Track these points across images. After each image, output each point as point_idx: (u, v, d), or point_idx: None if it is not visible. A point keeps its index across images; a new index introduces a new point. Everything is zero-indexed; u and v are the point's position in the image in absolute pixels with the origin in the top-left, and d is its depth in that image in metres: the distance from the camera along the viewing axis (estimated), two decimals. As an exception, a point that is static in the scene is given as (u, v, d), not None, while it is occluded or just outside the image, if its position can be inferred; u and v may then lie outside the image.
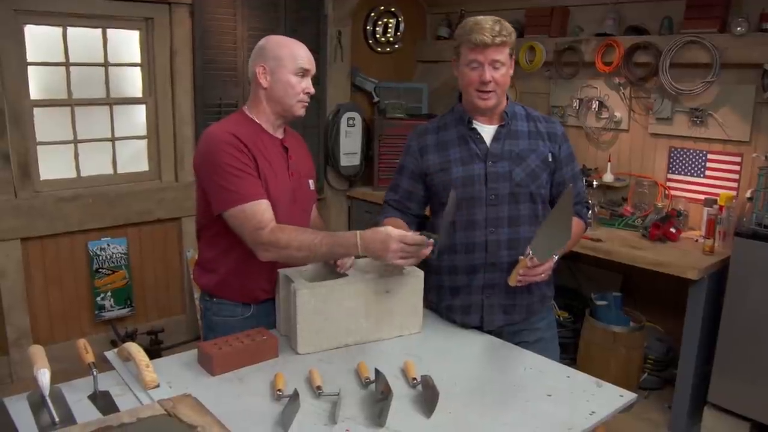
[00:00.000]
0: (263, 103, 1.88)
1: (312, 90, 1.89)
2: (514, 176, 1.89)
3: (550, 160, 1.95)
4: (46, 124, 3.37)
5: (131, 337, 3.49)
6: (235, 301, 1.91)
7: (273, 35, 1.93)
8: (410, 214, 2.05)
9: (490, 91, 1.83)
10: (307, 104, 1.91)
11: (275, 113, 1.90)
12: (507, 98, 1.96)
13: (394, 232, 1.67)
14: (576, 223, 1.97)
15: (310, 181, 2.04)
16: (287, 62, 1.83)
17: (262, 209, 1.75)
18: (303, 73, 1.85)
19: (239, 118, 1.91)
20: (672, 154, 3.51)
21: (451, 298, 1.98)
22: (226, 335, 1.72)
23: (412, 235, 1.68)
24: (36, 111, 3.31)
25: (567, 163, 1.99)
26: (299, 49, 1.86)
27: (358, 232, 1.70)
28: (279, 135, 1.94)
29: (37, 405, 1.40)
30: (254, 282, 1.89)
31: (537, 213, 1.94)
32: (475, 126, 1.93)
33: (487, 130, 1.93)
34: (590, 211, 2.14)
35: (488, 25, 1.79)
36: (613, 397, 1.56)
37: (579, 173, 2.08)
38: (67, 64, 3.38)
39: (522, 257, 1.77)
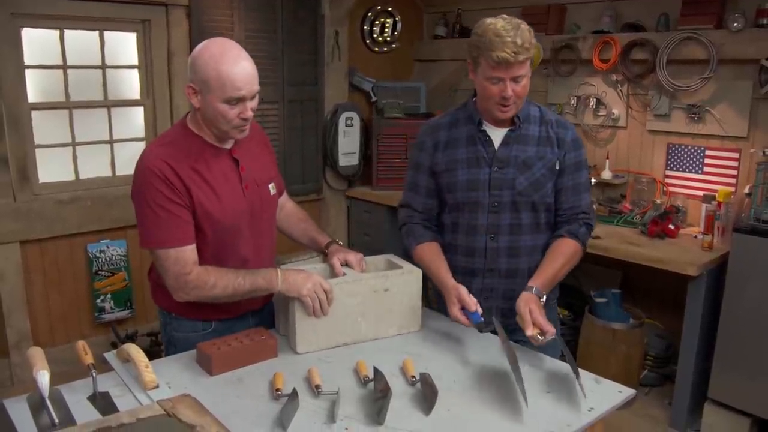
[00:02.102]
0: (200, 121, 1.73)
1: (249, 114, 1.67)
2: (516, 184, 1.86)
3: (557, 168, 1.89)
4: (44, 127, 3.37)
5: (131, 338, 3.49)
6: (196, 318, 1.84)
7: (211, 42, 1.67)
8: (435, 224, 2.00)
9: (510, 104, 1.79)
10: (245, 127, 1.71)
11: (213, 133, 1.74)
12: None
13: (319, 275, 1.75)
14: (565, 243, 1.89)
15: (270, 186, 1.89)
16: (215, 90, 1.62)
17: (186, 255, 1.68)
18: (236, 101, 1.64)
19: (179, 133, 1.76)
20: (670, 151, 3.51)
21: None
22: (189, 350, 1.72)
23: (329, 285, 1.74)
24: (34, 114, 3.31)
25: (570, 172, 1.91)
26: (232, 72, 1.60)
27: (280, 271, 1.75)
28: (227, 145, 1.78)
29: (37, 406, 1.40)
30: (213, 304, 1.78)
31: (539, 221, 1.91)
32: (484, 128, 1.88)
33: (496, 133, 1.88)
34: (590, 230, 1.96)
35: (509, 38, 1.68)
36: (612, 393, 1.57)
37: (584, 184, 1.95)
38: (64, 67, 3.38)
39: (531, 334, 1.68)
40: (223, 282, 1.69)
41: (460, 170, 1.89)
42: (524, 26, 1.74)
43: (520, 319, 1.71)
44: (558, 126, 1.91)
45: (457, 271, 1.94)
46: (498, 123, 1.88)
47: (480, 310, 1.76)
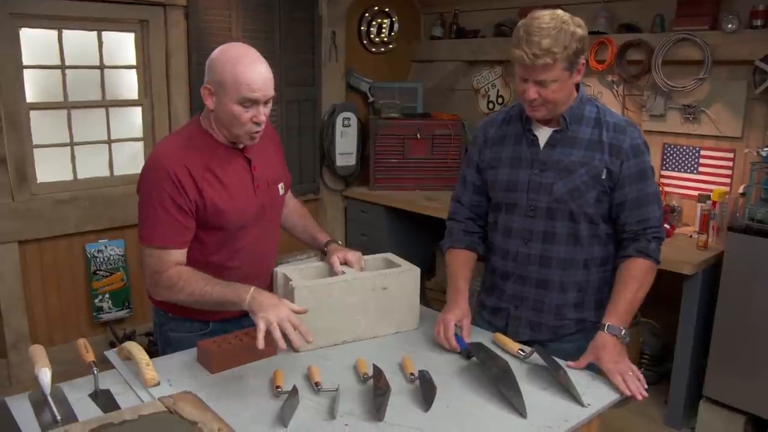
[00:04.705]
0: (213, 123, 1.74)
1: (262, 119, 1.67)
2: (554, 190, 1.74)
3: (604, 177, 1.71)
4: (43, 127, 3.37)
5: (129, 338, 3.50)
6: (194, 318, 1.83)
7: (229, 46, 1.69)
8: (480, 224, 1.93)
9: (536, 106, 1.69)
10: (257, 133, 1.71)
11: (224, 136, 1.75)
12: (578, 94, 1.76)
13: (289, 304, 1.61)
14: (635, 264, 1.73)
15: (280, 186, 1.90)
16: (230, 90, 1.62)
17: (170, 256, 1.68)
18: (250, 103, 1.64)
19: (195, 132, 1.76)
20: (665, 151, 3.54)
21: (486, 295, 1.96)
22: (184, 350, 1.73)
23: (298, 321, 1.57)
24: (32, 114, 3.31)
25: (632, 182, 1.72)
26: (247, 73, 1.61)
27: (253, 288, 1.63)
28: (240, 144, 1.78)
29: (39, 404, 1.42)
30: None
31: (578, 234, 1.77)
32: (531, 127, 1.78)
33: (543, 133, 1.77)
34: (661, 243, 1.77)
35: (536, 38, 1.57)
36: (608, 391, 1.58)
37: (652, 195, 1.74)
38: (62, 67, 3.38)
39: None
40: (191, 288, 1.66)
41: (502, 169, 1.82)
42: (569, 28, 1.60)
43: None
44: (616, 130, 1.73)
45: (494, 270, 1.92)
46: (545, 122, 1.76)
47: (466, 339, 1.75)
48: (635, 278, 1.72)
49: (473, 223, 1.95)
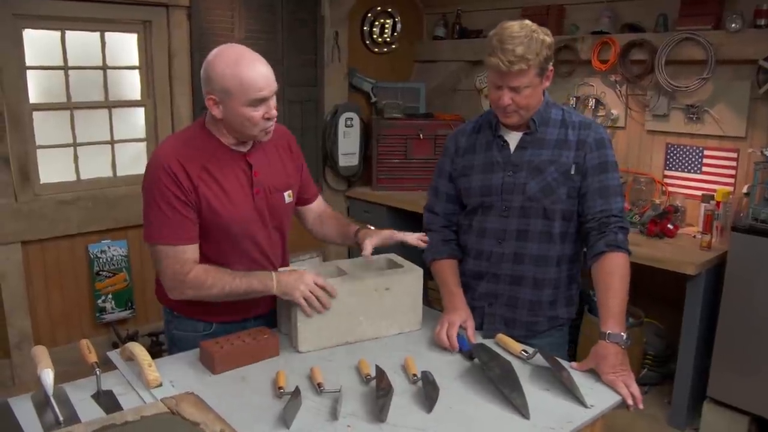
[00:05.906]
0: (222, 127, 1.73)
1: (273, 113, 1.69)
2: (527, 189, 1.81)
3: (573, 172, 1.79)
4: (46, 128, 3.38)
5: (132, 339, 3.50)
6: (198, 318, 1.85)
7: (222, 50, 1.67)
8: (455, 229, 1.99)
9: (510, 112, 1.76)
10: (271, 128, 1.73)
11: (236, 138, 1.75)
12: (544, 99, 1.85)
13: (311, 273, 1.72)
14: (610, 260, 1.75)
15: (286, 193, 1.89)
16: (237, 95, 1.63)
17: (187, 254, 1.69)
18: (259, 102, 1.65)
19: (197, 132, 1.76)
20: (669, 151, 3.53)
21: None
22: (189, 349, 1.74)
23: (323, 280, 1.71)
24: (35, 114, 3.32)
25: (594, 173, 1.79)
26: (250, 74, 1.62)
27: (274, 273, 1.74)
28: (243, 149, 1.77)
29: (42, 405, 1.42)
30: (216, 306, 1.79)
31: (552, 231, 1.82)
32: (501, 133, 1.86)
33: (513, 137, 1.85)
34: (627, 233, 1.81)
35: (510, 46, 1.65)
36: (611, 392, 1.58)
37: (614, 187, 1.80)
38: (65, 68, 3.39)
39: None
40: (221, 283, 1.70)
41: (475, 176, 1.88)
42: (539, 36, 1.69)
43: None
44: (581, 128, 1.82)
45: (466, 272, 1.95)
46: (514, 127, 1.84)
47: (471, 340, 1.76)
48: (617, 275, 1.75)
49: (449, 230, 2.00)
